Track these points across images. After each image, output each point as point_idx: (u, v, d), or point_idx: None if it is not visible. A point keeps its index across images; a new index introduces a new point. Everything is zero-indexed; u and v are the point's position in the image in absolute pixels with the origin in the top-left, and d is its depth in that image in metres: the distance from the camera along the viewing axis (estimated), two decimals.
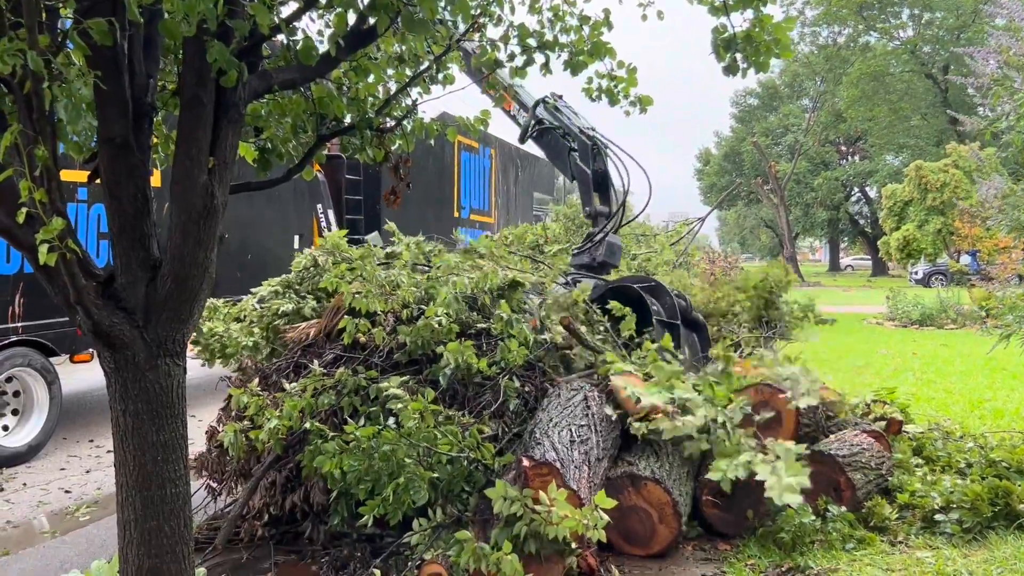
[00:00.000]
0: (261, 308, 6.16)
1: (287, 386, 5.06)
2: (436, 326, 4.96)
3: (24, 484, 7.09)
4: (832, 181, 53.50)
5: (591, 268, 7.00)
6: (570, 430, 4.52)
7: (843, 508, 4.71)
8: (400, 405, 4.34)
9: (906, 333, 16.40)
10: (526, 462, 4.15)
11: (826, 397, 5.48)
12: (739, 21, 4.16)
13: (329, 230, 13.88)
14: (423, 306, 5.24)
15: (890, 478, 5.27)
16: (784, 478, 4.36)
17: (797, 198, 55.31)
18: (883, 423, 5.76)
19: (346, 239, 14.24)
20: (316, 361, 5.17)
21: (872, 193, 53.66)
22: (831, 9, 44.67)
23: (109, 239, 8.43)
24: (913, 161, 31.73)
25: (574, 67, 4.15)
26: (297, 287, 6.37)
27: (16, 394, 7.84)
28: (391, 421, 4.39)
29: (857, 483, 4.94)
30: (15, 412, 7.83)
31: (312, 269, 6.41)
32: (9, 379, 7.70)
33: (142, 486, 3.21)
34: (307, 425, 4.52)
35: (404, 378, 4.87)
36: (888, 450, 5.41)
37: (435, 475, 4.30)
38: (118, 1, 2.70)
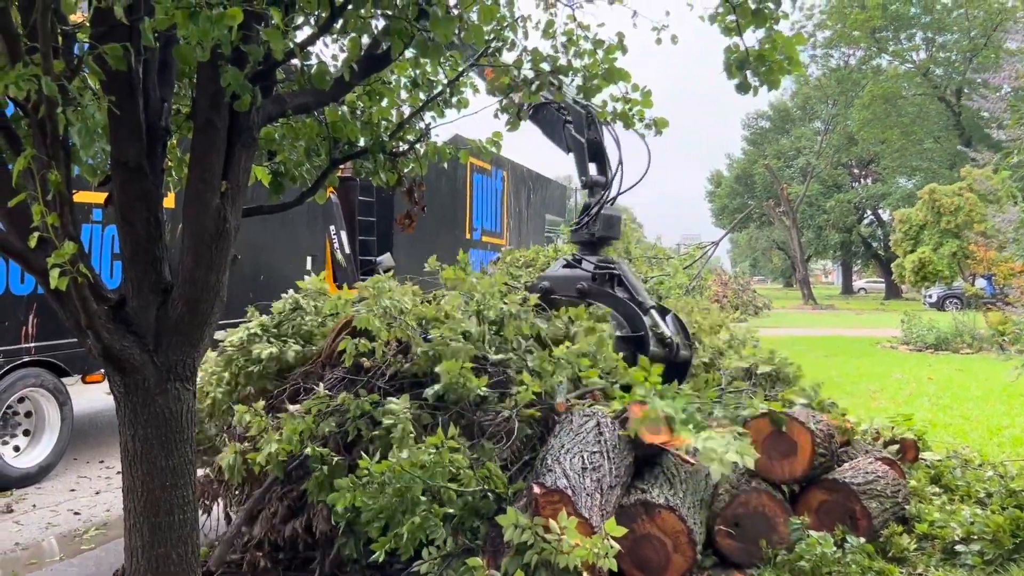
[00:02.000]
0: (231, 352, 5.84)
1: (290, 408, 5.01)
2: (452, 343, 4.88)
3: (34, 505, 7.07)
4: (844, 203, 53.35)
5: (591, 244, 6.85)
6: (582, 457, 4.46)
7: (861, 538, 4.62)
8: (394, 423, 4.27)
9: (921, 357, 16.24)
10: (537, 489, 4.09)
11: (839, 425, 5.40)
12: (750, 39, 4.16)
13: (342, 252, 13.91)
14: (428, 332, 5.20)
15: (907, 507, 5.18)
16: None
17: (809, 220, 55.16)
18: (896, 447, 5.67)
19: (358, 260, 14.24)
20: (321, 384, 5.13)
21: (885, 216, 53.45)
22: (843, 31, 44.68)
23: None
24: (926, 184, 31.63)
25: (588, 91, 4.14)
26: (275, 330, 6.03)
27: (28, 415, 7.85)
28: (404, 454, 4.33)
29: (873, 512, 4.85)
30: (26, 433, 7.83)
31: (294, 312, 6.13)
32: (21, 399, 7.71)
33: (151, 512, 3.18)
34: (307, 450, 4.46)
35: (405, 398, 4.80)
36: (903, 477, 5.32)
37: (450, 510, 4.24)
38: (134, 27, 2.70)
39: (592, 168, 6.83)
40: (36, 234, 2.47)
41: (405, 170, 4.12)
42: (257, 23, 3.00)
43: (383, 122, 4.10)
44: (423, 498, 4.09)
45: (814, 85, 51.96)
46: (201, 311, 3.21)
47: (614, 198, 6.71)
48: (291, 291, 6.18)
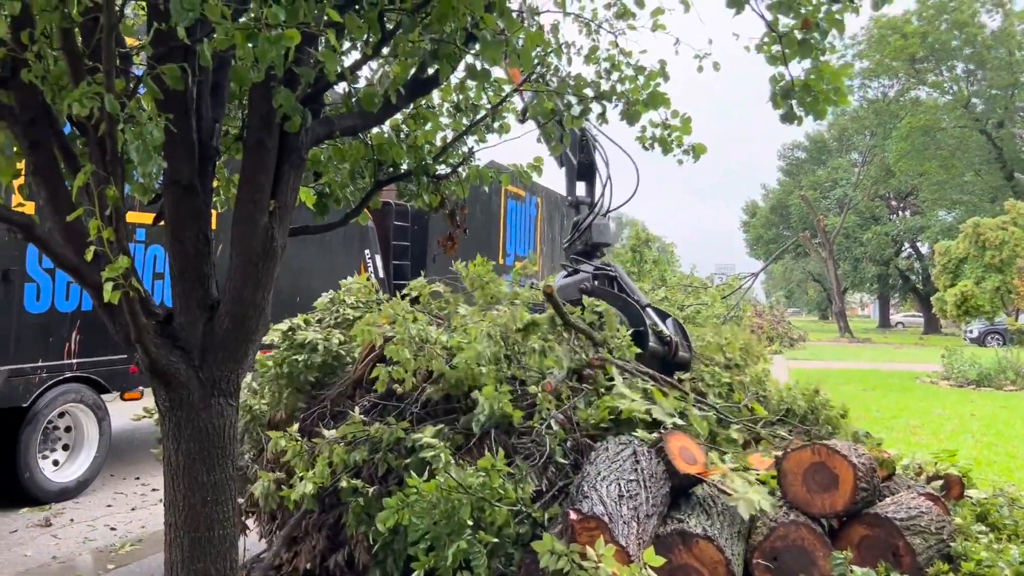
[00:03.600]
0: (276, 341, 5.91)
1: (325, 433, 5.03)
2: (475, 367, 4.90)
3: (71, 520, 7.16)
4: (882, 236, 52.67)
5: (586, 253, 7.11)
6: (618, 484, 4.41)
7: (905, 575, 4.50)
8: (432, 454, 4.27)
9: (963, 393, 15.88)
10: (573, 515, 4.05)
11: (879, 456, 5.28)
12: (795, 70, 4.15)
13: (376, 275, 14.01)
14: (453, 357, 5.22)
15: (952, 544, 5.04)
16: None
17: (846, 252, 54.51)
18: (939, 484, 5.53)
19: (392, 285, 14.30)
20: (357, 408, 5.14)
21: (923, 249, 52.66)
22: (882, 60, 44.38)
23: (164, 279, 8.65)
24: (966, 218, 31.12)
25: (631, 116, 4.15)
26: (316, 324, 6.21)
27: (68, 429, 7.97)
28: (453, 473, 4.31)
29: (917, 548, 4.72)
30: (65, 447, 7.95)
31: (333, 304, 6.31)
32: (62, 414, 7.84)
33: (191, 527, 3.20)
34: (342, 484, 4.46)
35: (439, 427, 4.81)
36: (948, 514, 5.18)
37: (494, 539, 4.21)
38: (190, 48, 2.77)
39: (580, 187, 7.28)
40: (92, 248, 2.53)
41: (447, 193, 4.14)
42: (309, 45, 3.06)
43: (427, 145, 4.14)
44: (469, 522, 4.06)
45: (851, 116, 51.58)
46: (247, 328, 3.24)
47: (606, 213, 7.00)
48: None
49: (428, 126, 4.25)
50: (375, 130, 3.89)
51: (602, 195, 7.02)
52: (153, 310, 3.15)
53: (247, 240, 3.19)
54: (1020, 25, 41.18)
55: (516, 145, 7.44)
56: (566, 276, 6.96)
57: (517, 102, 5.38)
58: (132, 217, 7.92)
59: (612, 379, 5.53)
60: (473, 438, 4.98)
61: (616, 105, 4.18)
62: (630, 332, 6.00)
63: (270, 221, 3.20)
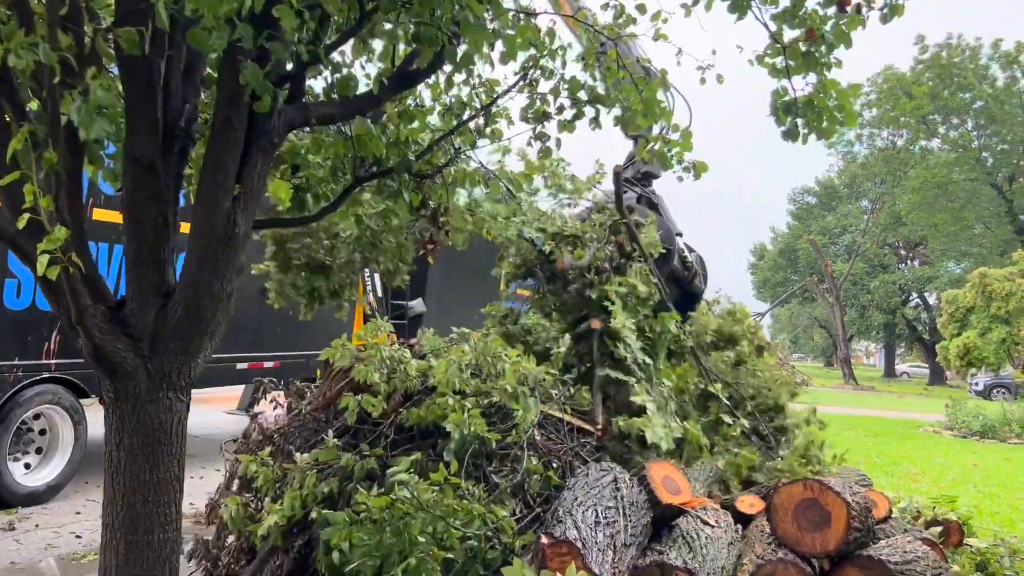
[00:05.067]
0: None
1: (297, 457, 4.83)
2: (447, 403, 4.72)
3: (36, 525, 6.92)
4: (889, 284, 52.36)
5: (637, 180, 7.59)
6: (596, 510, 4.18)
7: None
8: (404, 493, 4.04)
9: (965, 444, 15.53)
10: (545, 540, 3.82)
11: (874, 500, 5.04)
12: (801, 85, 3.99)
13: (374, 294, 13.84)
14: (428, 380, 5.05)
15: None
16: None
17: (853, 299, 54.16)
18: (938, 529, 5.27)
19: (390, 304, 14.13)
20: (331, 432, 4.94)
21: (931, 300, 52.28)
22: (889, 113, 44.46)
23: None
24: (975, 270, 30.88)
25: (626, 123, 3.98)
26: None
27: (42, 432, 7.76)
28: (404, 492, 4.11)
29: None
30: (39, 451, 7.73)
31: None
32: (37, 416, 7.63)
33: (129, 529, 2.98)
34: (313, 515, 4.24)
35: (414, 456, 4.60)
36: (945, 561, 4.91)
37: (450, 555, 3.98)
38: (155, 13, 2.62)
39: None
40: (26, 216, 2.35)
41: (430, 193, 3.97)
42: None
43: (412, 143, 3.97)
44: (421, 539, 3.84)
45: (861, 164, 51.55)
46: (202, 318, 3.05)
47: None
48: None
49: (414, 124, 4.09)
50: (358, 123, 3.72)
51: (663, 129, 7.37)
52: (104, 294, 2.97)
53: (207, 223, 3.01)
54: None
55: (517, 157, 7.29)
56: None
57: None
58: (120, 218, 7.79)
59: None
60: (458, 464, 4.77)
61: (611, 111, 4.01)
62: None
63: (233, 205, 3.02)
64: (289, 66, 3.16)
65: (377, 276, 13.69)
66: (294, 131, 3.75)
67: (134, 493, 2.96)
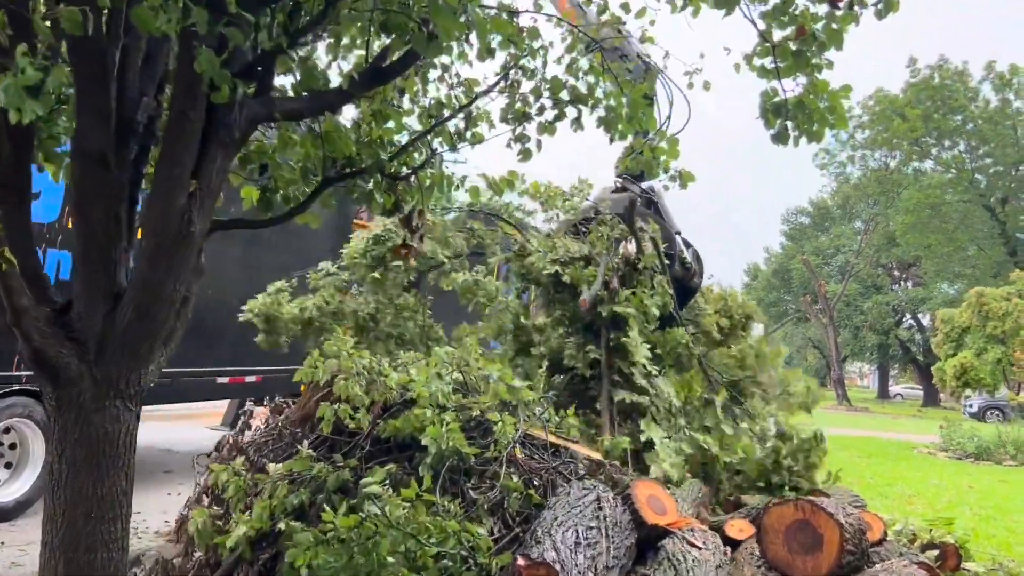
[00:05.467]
0: None
1: (271, 467, 4.63)
2: (425, 415, 4.55)
3: (2, 542, 6.67)
4: (883, 305, 52.30)
5: (633, 175, 7.55)
6: (576, 531, 3.98)
7: None
8: (375, 509, 3.85)
9: (960, 466, 15.34)
10: (521, 561, 3.62)
11: (868, 522, 4.85)
12: (791, 87, 3.84)
13: None
14: (408, 391, 4.88)
15: None
16: None
17: (847, 320, 54.06)
18: (934, 553, 5.07)
19: None
20: (306, 442, 4.75)
21: (925, 321, 52.18)
22: (882, 134, 44.58)
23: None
24: (970, 289, 30.80)
25: (609, 124, 3.82)
26: None
27: (12, 446, 7.52)
28: (374, 509, 3.91)
29: None
30: (8, 465, 7.49)
31: None
32: (7, 430, 7.40)
33: (69, 547, 2.78)
34: (280, 526, 4.04)
35: (389, 467, 4.41)
36: None
37: None
38: None
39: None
40: None
41: (403, 196, 3.79)
42: (250, 11, 2.74)
43: (387, 144, 3.80)
44: (391, 559, 3.63)
45: (854, 184, 51.62)
46: (153, 322, 2.86)
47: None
48: None
49: (389, 124, 3.93)
50: (329, 120, 3.54)
51: (660, 127, 7.45)
52: (47, 294, 2.78)
53: (160, 221, 2.83)
54: (1018, 103, 41.43)
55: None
56: (614, 192, 7.70)
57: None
58: None
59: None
60: (434, 479, 4.58)
61: (594, 112, 3.86)
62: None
63: (189, 202, 2.84)
64: (251, 57, 2.99)
65: None
66: (262, 129, 3.58)
67: (75, 508, 2.76)
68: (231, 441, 5.47)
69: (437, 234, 7.00)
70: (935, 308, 43.67)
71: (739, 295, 7.95)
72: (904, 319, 56.14)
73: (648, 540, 4.52)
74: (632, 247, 6.75)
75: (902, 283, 56.99)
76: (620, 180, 7.85)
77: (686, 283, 7.24)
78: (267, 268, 10.22)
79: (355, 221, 11.12)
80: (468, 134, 4.18)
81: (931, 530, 5.38)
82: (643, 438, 5.79)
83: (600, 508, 4.30)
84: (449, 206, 7.41)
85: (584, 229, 7.15)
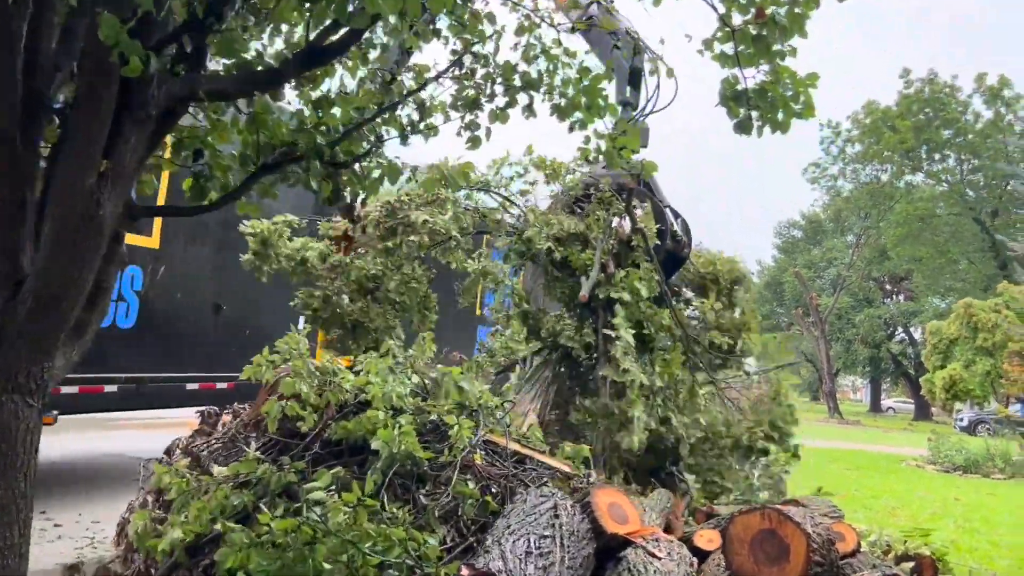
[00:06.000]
0: None
1: (215, 470, 4.43)
2: (378, 417, 4.36)
3: None
4: (875, 319, 52.20)
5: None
6: (528, 540, 3.78)
7: None
8: (316, 514, 3.65)
9: (948, 478, 15.15)
10: (465, 571, 3.42)
11: (841, 532, 4.66)
12: (753, 75, 3.68)
13: None
14: (364, 393, 4.70)
15: None
16: None
17: (838, 333, 53.92)
18: (910, 565, 4.88)
19: None
20: (253, 444, 4.55)
21: (917, 334, 52.11)
22: (873, 147, 44.57)
23: None
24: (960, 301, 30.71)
25: (562, 112, 3.65)
26: None
27: None
28: (316, 511, 3.71)
29: None
30: None
31: None
32: None
33: None
34: (218, 527, 3.83)
35: (337, 471, 4.21)
36: None
37: None
38: None
39: (628, 90, 7.83)
40: None
41: (343, 185, 3.60)
42: None
43: (329, 129, 3.61)
44: (327, 565, 3.43)
45: (845, 198, 51.60)
46: (59, 312, 2.67)
47: (645, 116, 7.43)
48: None
49: (336, 112, 3.74)
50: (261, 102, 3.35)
51: (648, 101, 7.43)
52: None
53: (66, 201, 2.64)
54: (1009, 116, 41.48)
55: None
56: (603, 168, 7.54)
57: None
58: None
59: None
60: (380, 484, 4.38)
61: (545, 99, 3.68)
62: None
63: (98, 183, 2.65)
64: (172, 29, 2.81)
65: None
66: (195, 112, 3.40)
67: None
68: (183, 444, 5.25)
69: (448, 210, 6.99)
70: (927, 322, 43.59)
71: (727, 258, 8.04)
72: (896, 333, 56.03)
73: (609, 550, 4.32)
74: (627, 225, 7.10)
75: (894, 297, 56.94)
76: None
77: (677, 254, 7.48)
78: (239, 271, 10.01)
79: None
80: (422, 125, 4.00)
81: (906, 541, 5.19)
82: (629, 414, 5.99)
83: (557, 516, 4.10)
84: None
85: (579, 208, 7.34)
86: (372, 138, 3.62)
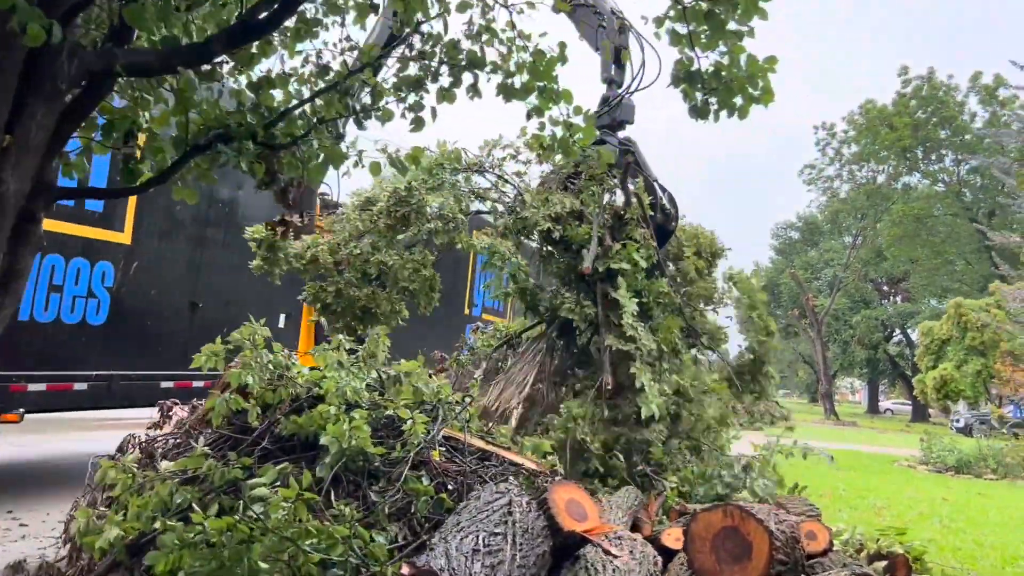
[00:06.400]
0: None
1: (162, 465, 4.29)
2: (329, 411, 4.22)
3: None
4: (872, 320, 52.04)
5: (611, 127, 7.91)
6: (477, 537, 3.64)
7: None
8: (256, 512, 3.51)
9: (939, 479, 15.01)
10: (405, 570, 3.29)
11: (813, 531, 4.52)
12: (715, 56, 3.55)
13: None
14: (317, 388, 4.57)
15: None
16: None
17: (835, 335, 53.79)
18: (883, 564, 4.74)
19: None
20: (202, 439, 4.41)
21: (914, 336, 51.99)
22: (870, 148, 44.41)
23: (61, 293, 7.94)
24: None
25: (509, 92, 3.51)
26: None
27: None
28: (256, 508, 3.57)
29: None
30: None
31: None
32: None
33: None
34: (156, 525, 3.68)
35: (283, 466, 4.07)
36: None
37: None
38: None
39: (612, 69, 8.05)
40: None
41: (278, 167, 3.46)
42: None
43: (269, 112, 3.47)
44: (264, 564, 3.29)
45: (842, 199, 51.44)
46: None
47: (631, 92, 7.77)
48: None
49: (279, 94, 3.61)
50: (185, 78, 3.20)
51: (635, 78, 7.68)
52: None
53: None
54: (1005, 115, 41.29)
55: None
56: (593, 144, 7.85)
57: None
58: None
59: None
60: (326, 479, 4.24)
61: (491, 78, 3.55)
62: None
63: (0, 159, 2.51)
64: None
65: None
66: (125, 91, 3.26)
67: None
68: (136, 440, 5.11)
69: (448, 194, 7.31)
70: (924, 322, 43.44)
71: (707, 233, 8.48)
72: (894, 334, 55.89)
73: (567, 548, 4.18)
74: (620, 198, 7.38)
75: (891, 298, 56.79)
76: (599, 132, 8.23)
77: (665, 227, 7.78)
78: (216, 268, 9.89)
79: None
80: (375, 112, 3.87)
81: (878, 540, 5.04)
82: (636, 383, 6.28)
83: (510, 513, 3.96)
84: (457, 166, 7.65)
85: (571, 184, 7.55)
86: (310, 120, 3.48)
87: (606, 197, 7.39)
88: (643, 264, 6.90)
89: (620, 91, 7.81)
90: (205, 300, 9.73)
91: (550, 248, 7.46)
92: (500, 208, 7.73)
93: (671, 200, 7.89)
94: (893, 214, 44.89)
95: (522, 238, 7.55)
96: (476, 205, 8.00)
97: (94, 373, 8.29)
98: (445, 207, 7.24)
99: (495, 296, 8.75)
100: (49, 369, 7.80)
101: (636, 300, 6.73)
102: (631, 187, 7.33)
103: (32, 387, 7.61)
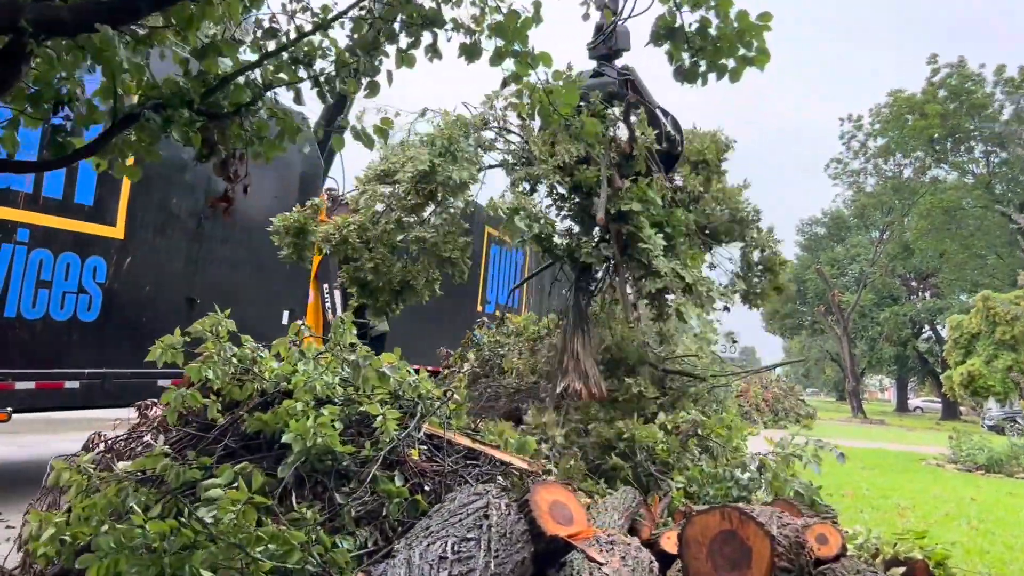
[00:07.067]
0: None
1: (118, 466, 4.03)
2: (295, 407, 3.94)
3: None
4: (899, 316, 51.02)
5: (607, 56, 7.94)
6: (446, 543, 3.32)
7: None
8: (204, 514, 3.22)
9: (968, 478, 14.47)
10: None
11: (824, 534, 4.15)
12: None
13: (334, 311, 13.09)
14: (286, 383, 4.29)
15: None
16: None
17: (862, 331, 52.83)
18: (900, 570, 4.35)
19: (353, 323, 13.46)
20: (162, 438, 4.14)
21: (943, 332, 50.97)
22: (899, 138, 43.42)
23: (50, 289, 7.74)
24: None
25: (470, 52, 3.19)
26: None
27: None
28: (204, 511, 3.28)
29: None
30: None
31: None
32: None
33: None
34: (104, 528, 3.41)
35: (243, 465, 3.78)
36: None
37: None
38: None
39: None
40: None
41: (228, 142, 3.16)
42: None
43: (211, 77, 3.18)
44: (207, 573, 3.00)
45: (870, 194, 50.46)
46: None
47: (625, 19, 7.48)
48: None
49: (228, 61, 3.31)
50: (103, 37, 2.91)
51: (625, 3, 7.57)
52: None
53: None
54: None
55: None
56: (591, 77, 7.81)
57: None
58: (11, 215, 7.07)
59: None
60: (297, 481, 3.95)
61: (450, 37, 3.23)
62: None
63: None
64: None
65: (338, 292, 12.94)
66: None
67: None
68: (101, 438, 4.86)
69: (466, 164, 7.14)
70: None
71: (707, 137, 8.27)
72: (923, 330, 54.76)
73: (551, 554, 3.85)
74: (624, 134, 7.34)
75: (920, 293, 55.65)
76: (596, 64, 8.13)
77: (671, 153, 7.76)
78: (213, 263, 9.67)
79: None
80: (340, 81, 3.57)
81: (896, 544, 4.65)
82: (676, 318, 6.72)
83: (486, 516, 3.62)
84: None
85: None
86: (255, 89, 3.19)
87: (610, 131, 7.31)
88: (656, 198, 6.85)
89: (616, 18, 7.58)
90: (204, 296, 9.50)
91: (562, 192, 7.51)
92: (510, 159, 7.65)
93: (675, 124, 7.81)
94: (921, 207, 43.88)
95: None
96: (487, 160, 7.76)
97: (87, 371, 8.08)
98: (464, 175, 7.07)
99: (516, 245, 8.49)
100: (38, 367, 7.60)
101: (660, 234, 6.73)
102: (633, 120, 7.29)
103: (20, 385, 7.41)
